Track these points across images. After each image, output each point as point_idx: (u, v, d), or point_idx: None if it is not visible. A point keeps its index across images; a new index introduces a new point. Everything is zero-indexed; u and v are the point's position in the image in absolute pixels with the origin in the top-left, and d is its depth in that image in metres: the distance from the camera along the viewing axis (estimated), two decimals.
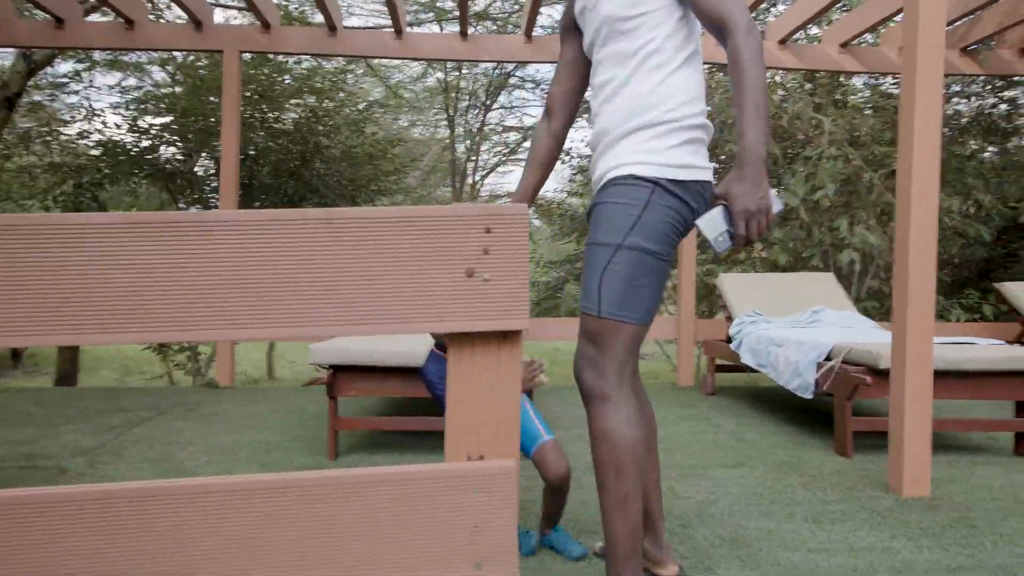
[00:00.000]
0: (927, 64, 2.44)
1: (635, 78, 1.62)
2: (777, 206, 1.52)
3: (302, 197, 5.51)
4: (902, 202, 2.48)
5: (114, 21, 4.74)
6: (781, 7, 7.71)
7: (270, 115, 5.43)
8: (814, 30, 7.05)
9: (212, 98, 5.54)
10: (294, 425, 3.47)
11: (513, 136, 11.19)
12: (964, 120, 6.36)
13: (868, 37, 6.50)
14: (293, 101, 5.49)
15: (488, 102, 10.38)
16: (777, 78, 6.07)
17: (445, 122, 10.61)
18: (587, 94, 1.78)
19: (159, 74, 6.64)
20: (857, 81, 6.60)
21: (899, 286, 2.48)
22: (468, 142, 10.69)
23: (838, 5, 5.54)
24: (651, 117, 1.59)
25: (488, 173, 11.13)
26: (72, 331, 0.85)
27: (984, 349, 3.02)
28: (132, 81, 6.24)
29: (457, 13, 4.88)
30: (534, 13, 4.39)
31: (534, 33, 4.69)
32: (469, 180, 10.69)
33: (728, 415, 3.81)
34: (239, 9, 5.68)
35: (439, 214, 0.92)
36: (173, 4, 4.61)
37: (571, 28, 1.86)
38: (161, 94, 5.52)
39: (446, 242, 0.92)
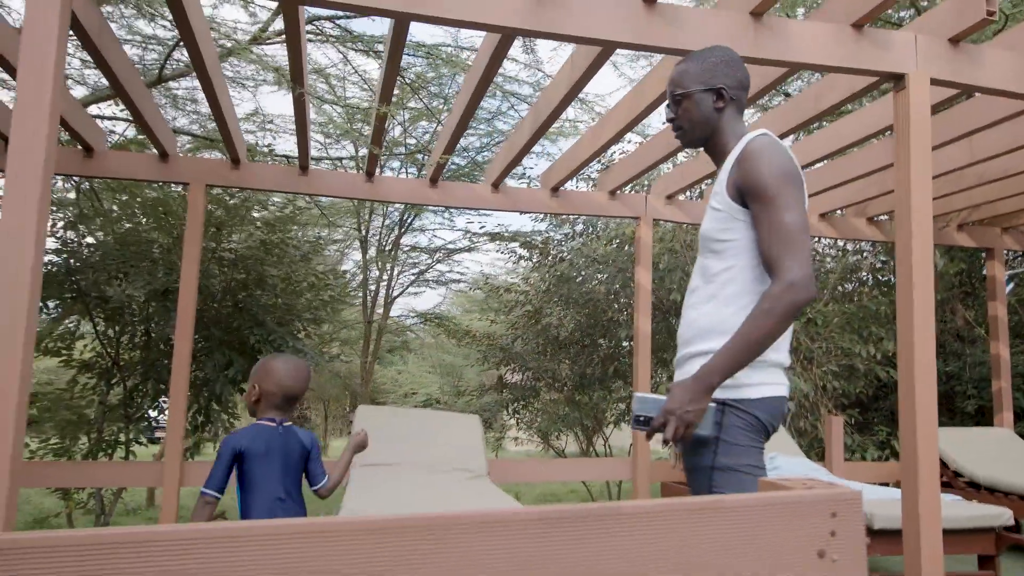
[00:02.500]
0: (920, 235, 2.81)
1: (714, 299, 1.74)
2: (705, 430, 1.63)
3: (248, 329, 5.31)
4: (905, 374, 2.78)
5: (70, 147, 4.54)
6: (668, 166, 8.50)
7: (221, 245, 5.29)
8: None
9: (147, 223, 5.35)
10: None
11: (424, 257, 11.33)
12: (866, 275, 7.14)
13: None
14: (247, 232, 5.38)
15: (402, 226, 10.53)
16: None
17: (358, 242, 10.60)
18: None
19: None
20: None
21: (907, 452, 2.73)
22: (380, 263, 10.72)
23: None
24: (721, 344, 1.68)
25: (400, 294, 11.14)
26: None
27: (948, 506, 3.32)
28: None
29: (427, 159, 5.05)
30: (508, 170, 4.63)
31: (502, 184, 4.91)
32: (380, 301, 10.66)
33: None
34: (198, 138, 5.58)
35: (791, 499, 1.00)
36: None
37: None
38: (92, 213, 5.25)
39: (799, 524, 0.99)
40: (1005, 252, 8.08)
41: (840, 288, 6.57)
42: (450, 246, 10.61)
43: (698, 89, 1.78)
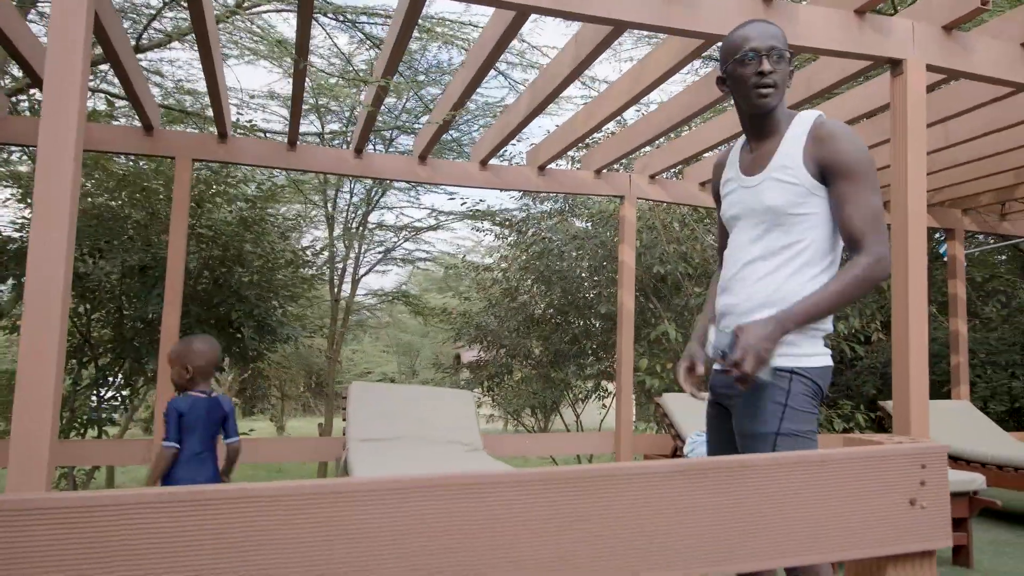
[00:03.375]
0: (915, 211, 2.95)
1: (781, 271, 1.78)
2: (765, 375, 1.67)
3: (230, 305, 5.23)
4: (899, 351, 2.92)
5: None
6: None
7: (200, 220, 5.17)
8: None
9: (119, 198, 5.20)
10: None
11: (390, 236, 11.21)
12: None
13: None
14: (225, 208, 5.28)
15: (370, 204, 10.40)
16: (684, 209, 6.73)
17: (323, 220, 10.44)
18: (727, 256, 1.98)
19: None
20: None
21: (900, 424, 2.88)
22: (347, 241, 10.58)
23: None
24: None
25: (368, 272, 11.01)
26: None
27: None
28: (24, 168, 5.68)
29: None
30: (432, 141, 4.64)
31: (491, 162, 4.92)
32: (348, 279, 10.53)
33: None
34: (173, 110, 5.42)
35: (886, 453, 1.08)
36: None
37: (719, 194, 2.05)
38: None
39: (892, 476, 1.07)
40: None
41: None
42: (417, 224, 10.53)
43: (790, 57, 1.82)
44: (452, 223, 11.35)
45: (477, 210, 7.69)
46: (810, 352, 1.75)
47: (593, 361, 7.16)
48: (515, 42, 6.99)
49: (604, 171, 5.25)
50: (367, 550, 0.79)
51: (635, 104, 4.34)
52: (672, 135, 6.41)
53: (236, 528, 0.74)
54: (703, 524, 0.92)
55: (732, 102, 6.35)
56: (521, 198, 7.70)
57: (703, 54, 6.29)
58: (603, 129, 7.19)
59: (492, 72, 7.60)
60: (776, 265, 1.79)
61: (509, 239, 7.47)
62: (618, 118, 7.24)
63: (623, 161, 6.93)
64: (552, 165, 7.53)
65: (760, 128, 1.86)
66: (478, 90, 8.52)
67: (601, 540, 0.87)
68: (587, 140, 6.81)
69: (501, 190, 5.25)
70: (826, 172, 1.74)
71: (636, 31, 7.80)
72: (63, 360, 1.92)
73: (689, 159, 4.91)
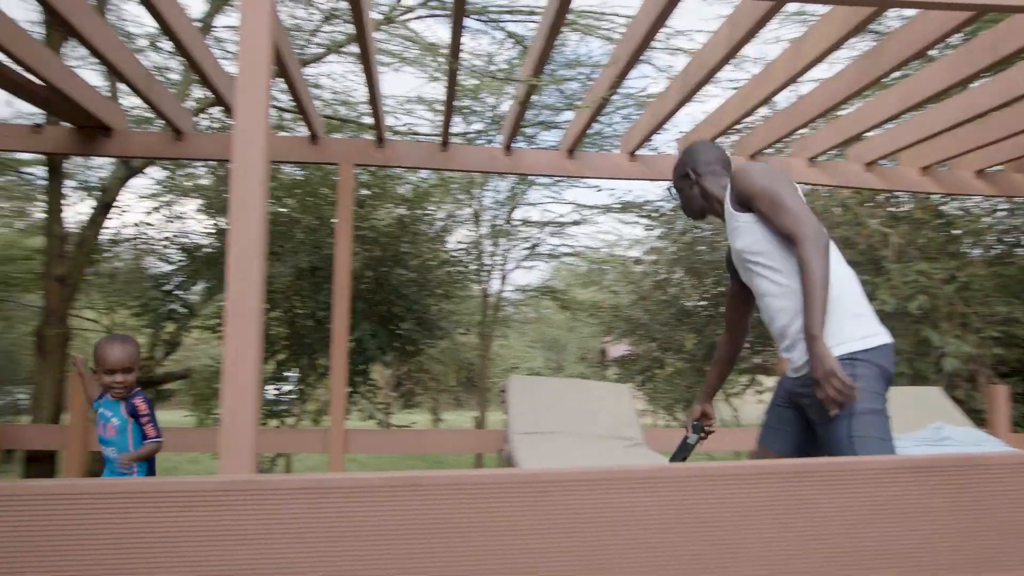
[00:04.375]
0: None
1: (785, 287, 2.13)
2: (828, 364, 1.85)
3: (390, 301, 5.49)
4: None
5: (228, 133, 4.78)
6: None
7: (365, 223, 5.46)
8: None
9: (285, 205, 5.57)
10: None
11: (535, 231, 11.33)
12: None
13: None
14: (384, 210, 5.54)
15: (513, 201, 10.56)
16: (845, 192, 6.34)
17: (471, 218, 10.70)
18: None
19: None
20: (904, 196, 6.93)
21: None
22: (494, 239, 10.81)
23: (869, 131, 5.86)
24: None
25: (515, 268, 11.20)
26: None
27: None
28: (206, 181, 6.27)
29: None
30: (580, 133, 4.56)
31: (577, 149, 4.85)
32: (496, 276, 10.77)
33: None
34: (333, 120, 5.77)
35: None
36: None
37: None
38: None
39: None
40: None
41: (996, 249, 6.18)
42: (561, 219, 10.57)
43: (677, 179, 2.43)
44: (595, 217, 11.32)
45: (626, 202, 7.60)
46: (860, 335, 1.94)
47: (749, 354, 6.89)
48: (663, 29, 6.84)
49: (759, 156, 5.03)
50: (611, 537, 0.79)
51: (793, 84, 4.12)
52: (832, 115, 6.03)
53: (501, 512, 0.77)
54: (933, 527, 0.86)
55: (896, 76, 5.92)
56: (668, 188, 7.54)
57: (868, 27, 5.86)
58: (757, 112, 6.90)
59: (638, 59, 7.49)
60: (777, 284, 2.13)
61: (657, 231, 7.34)
62: (773, 101, 6.91)
63: (777, 145, 6.61)
64: None
65: (713, 214, 2.39)
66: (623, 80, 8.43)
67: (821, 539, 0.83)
68: (741, 124, 6.56)
69: (652, 181, 5.16)
70: (746, 203, 2.14)
71: (794, 4, 7.40)
72: (262, 354, 2.08)
73: (852, 139, 4.60)
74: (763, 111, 6.97)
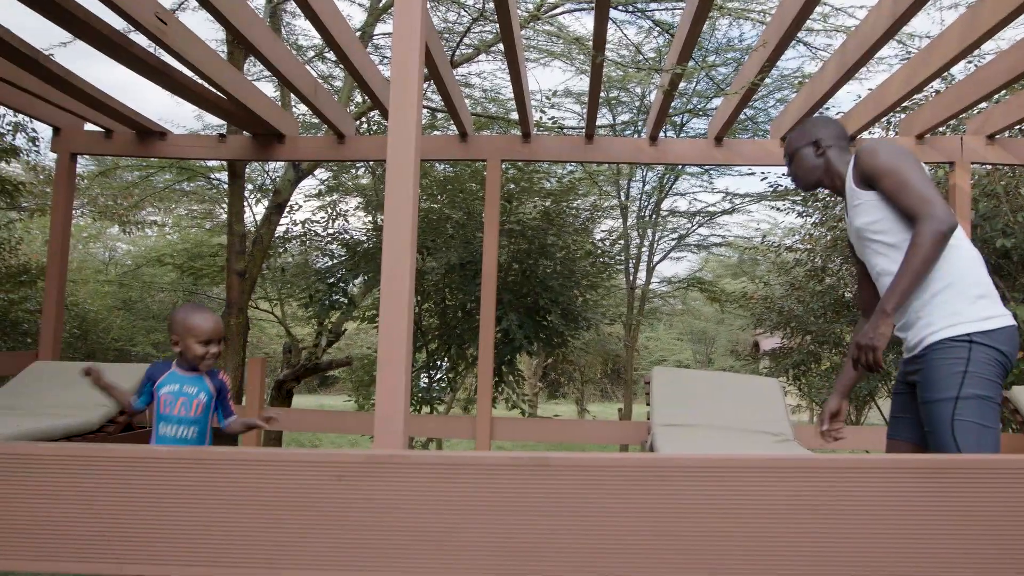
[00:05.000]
0: None
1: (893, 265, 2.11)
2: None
3: (536, 293, 5.60)
4: None
5: (385, 135, 5.07)
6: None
7: (510, 217, 5.61)
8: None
9: (437, 201, 5.81)
10: None
11: (683, 222, 11.11)
12: None
13: None
14: (530, 203, 5.66)
15: (662, 191, 10.40)
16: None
17: (617, 209, 10.65)
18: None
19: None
20: None
21: None
22: (640, 230, 10.70)
23: None
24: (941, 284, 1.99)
25: (662, 259, 11.06)
26: None
27: None
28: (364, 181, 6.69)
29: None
30: (729, 120, 4.36)
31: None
32: (643, 267, 10.67)
33: None
34: (482, 117, 5.97)
35: None
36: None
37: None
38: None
39: None
40: None
41: None
42: (711, 209, 10.29)
43: (803, 146, 2.33)
44: (748, 205, 10.91)
45: (780, 187, 7.29)
46: (982, 316, 1.89)
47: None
48: (818, 6, 6.48)
49: (928, 135, 4.66)
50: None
51: (966, 57, 3.79)
52: (1018, 86, 5.46)
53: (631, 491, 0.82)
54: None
55: None
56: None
57: None
58: (926, 89, 6.38)
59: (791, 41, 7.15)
60: (887, 267, 2.09)
61: (813, 218, 6.98)
62: (945, 75, 6.36)
63: (951, 123, 6.08)
64: (865, 134, 6.91)
65: (830, 188, 2.34)
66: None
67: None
68: (906, 103, 6.10)
69: None
70: (870, 181, 2.10)
71: None
72: (412, 343, 2.23)
73: None
74: (934, 85, 6.45)
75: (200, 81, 4.02)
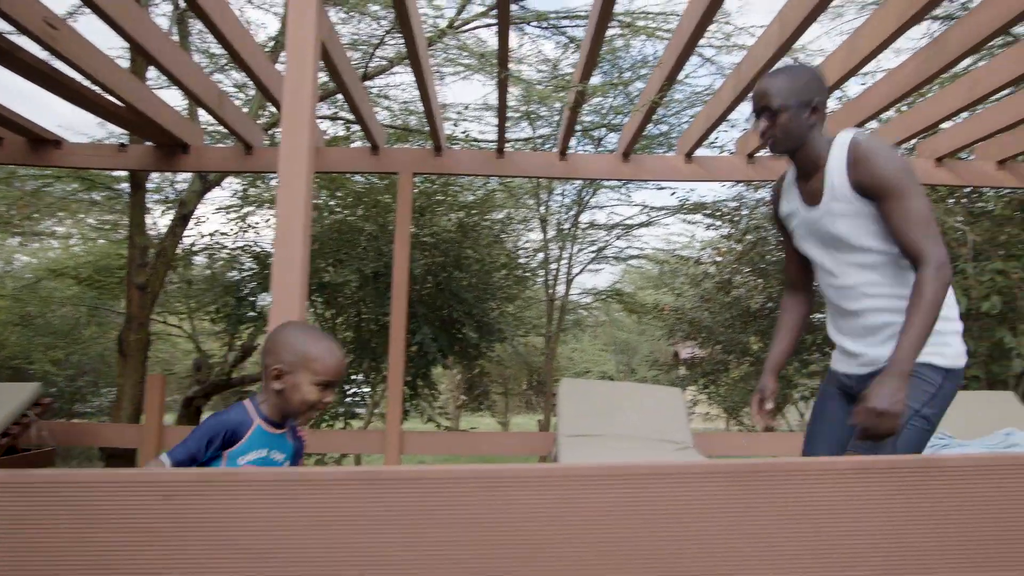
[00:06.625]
0: None
1: (885, 285, 1.94)
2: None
3: (450, 306, 5.60)
4: None
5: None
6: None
7: (423, 230, 5.60)
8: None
9: (353, 213, 5.76)
10: None
11: (602, 234, 11.29)
12: None
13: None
14: (445, 217, 5.67)
15: (580, 204, 10.55)
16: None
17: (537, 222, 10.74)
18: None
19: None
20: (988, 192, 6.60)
21: None
22: (560, 242, 10.82)
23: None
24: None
25: (580, 271, 11.21)
26: None
27: None
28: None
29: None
30: (634, 136, 4.52)
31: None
32: (562, 279, 10.80)
33: None
34: (396, 129, 5.94)
35: None
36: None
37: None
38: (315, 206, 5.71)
39: None
40: None
41: None
42: (628, 222, 10.51)
43: (794, 104, 1.92)
44: (664, 218, 11.20)
45: (686, 201, 7.52)
46: (957, 353, 1.87)
47: (819, 357, 6.70)
48: (721, 25, 6.72)
49: None
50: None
51: (852, 77, 4.00)
52: (903, 107, 5.80)
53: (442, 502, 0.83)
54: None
55: (968, 65, 5.66)
56: (733, 187, 7.41)
57: (930, 13, 5.65)
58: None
59: (698, 59, 7.41)
60: (873, 281, 1.92)
61: (721, 230, 7.22)
62: (842, 94, 6.71)
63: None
64: (765, 152, 7.18)
65: (801, 165, 2.00)
66: (686, 80, 8.33)
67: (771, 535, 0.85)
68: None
69: (708, 182, 5.12)
70: (868, 192, 1.85)
71: None
72: None
73: (921, 132, 4.44)
74: (831, 103, 6.78)
75: (96, 89, 3.88)
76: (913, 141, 5.74)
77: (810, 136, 1.94)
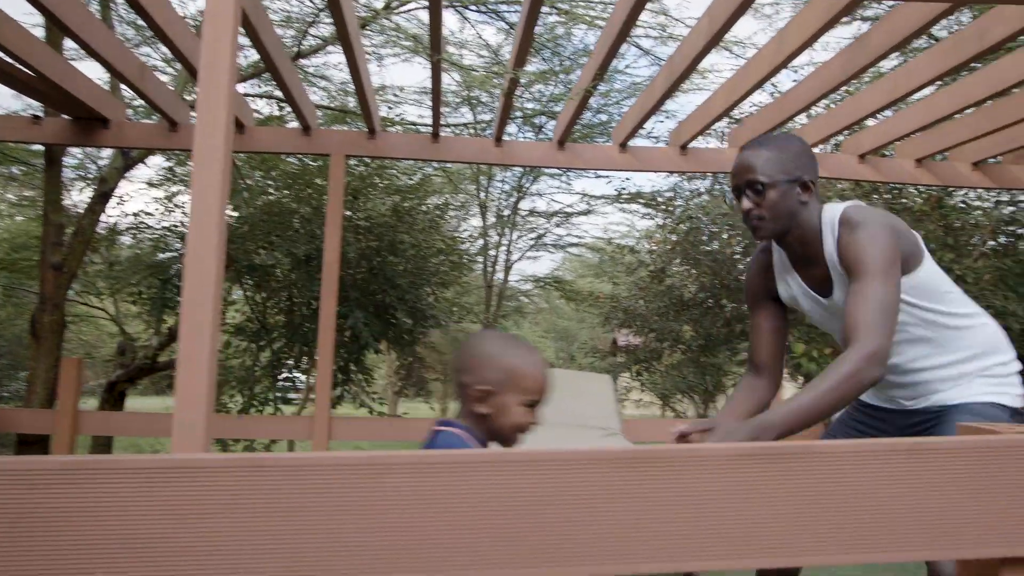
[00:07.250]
0: None
1: (947, 343, 1.86)
2: None
3: (383, 291, 5.54)
4: None
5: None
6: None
7: (357, 213, 5.51)
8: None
9: (283, 194, 5.63)
10: None
11: (541, 222, 11.36)
12: None
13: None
14: (379, 200, 5.59)
15: (520, 191, 10.57)
16: (843, 184, 6.30)
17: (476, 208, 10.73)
18: None
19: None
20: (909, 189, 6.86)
21: None
22: (499, 228, 10.84)
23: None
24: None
25: (519, 258, 11.26)
26: None
27: None
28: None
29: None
30: (568, 125, 4.56)
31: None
32: (500, 266, 10.83)
33: None
34: (331, 111, 5.82)
35: (999, 444, 0.96)
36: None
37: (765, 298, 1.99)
38: (241, 187, 5.57)
39: (1009, 471, 0.95)
40: None
41: (994, 242, 6.11)
42: (568, 210, 10.59)
43: (784, 180, 1.73)
44: (604, 207, 11.34)
45: (623, 190, 7.60)
46: (1022, 393, 1.82)
47: (748, 346, 6.88)
48: (656, 16, 6.78)
49: None
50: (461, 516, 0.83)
51: (778, 73, 4.09)
52: (831, 104, 5.97)
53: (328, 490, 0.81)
54: (771, 511, 0.88)
55: (889, 64, 5.85)
56: (668, 177, 7.53)
57: (854, 12, 5.81)
58: (754, 102, 6.86)
59: (637, 51, 7.47)
60: (921, 353, 1.82)
61: (657, 219, 7.33)
62: (774, 90, 6.86)
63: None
64: (699, 143, 7.30)
65: (791, 250, 1.83)
66: (626, 70, 8.39)
67: (657, 523, 0.86)
68: (736, 115, 6.52)
69: (642, 172, 5.17)
70: (845, 264, 1.69)
71: None
72: (217, 337, 2.13)
73: (846, 128, 4.57)
74: (759, 100, 6.93)
75: (6, 58, 3.67)
76: (839, 137, 5.92)
77: (802, 217, 1.75)
